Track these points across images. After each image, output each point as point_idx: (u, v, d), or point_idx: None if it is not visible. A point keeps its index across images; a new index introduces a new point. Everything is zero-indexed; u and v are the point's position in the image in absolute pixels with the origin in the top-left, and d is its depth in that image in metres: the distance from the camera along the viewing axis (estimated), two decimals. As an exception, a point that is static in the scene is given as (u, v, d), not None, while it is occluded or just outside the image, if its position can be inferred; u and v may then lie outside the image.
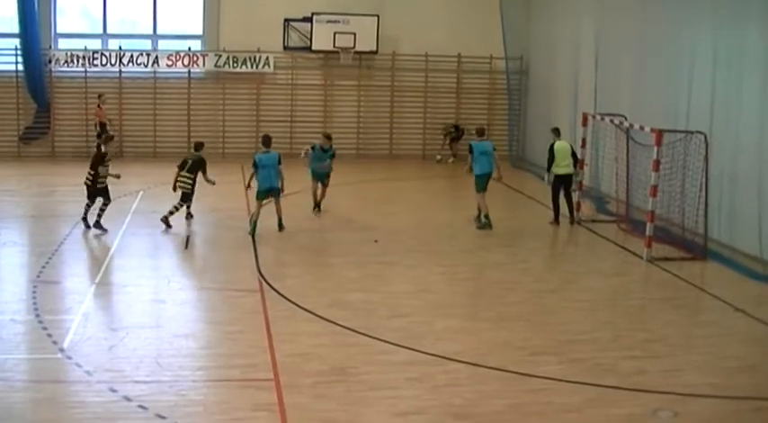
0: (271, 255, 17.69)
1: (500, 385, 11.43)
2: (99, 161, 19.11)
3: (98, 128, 27.38)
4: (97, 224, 18.78)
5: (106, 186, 19.12)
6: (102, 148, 20.15)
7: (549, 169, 20.91)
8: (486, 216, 20.30)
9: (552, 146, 20.80)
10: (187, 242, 18.52)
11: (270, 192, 19.23)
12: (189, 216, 20.28)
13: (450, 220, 21.25)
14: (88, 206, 19.05)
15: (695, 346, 13.31)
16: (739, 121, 18.45)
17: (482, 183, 20.31)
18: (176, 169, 19.83)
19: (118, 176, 19.39)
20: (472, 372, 11.83)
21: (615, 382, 11.51)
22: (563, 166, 20.67)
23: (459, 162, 27.20)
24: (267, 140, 19.58)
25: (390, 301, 14.94)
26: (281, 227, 19.34)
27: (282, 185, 19.29)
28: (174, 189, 19.83)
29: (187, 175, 19.72)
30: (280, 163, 19.21)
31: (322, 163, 21.06)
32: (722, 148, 18.55)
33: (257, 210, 19.12)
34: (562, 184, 20.80)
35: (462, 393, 11.07)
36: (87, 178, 18.98)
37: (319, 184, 21.36)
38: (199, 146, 20.26)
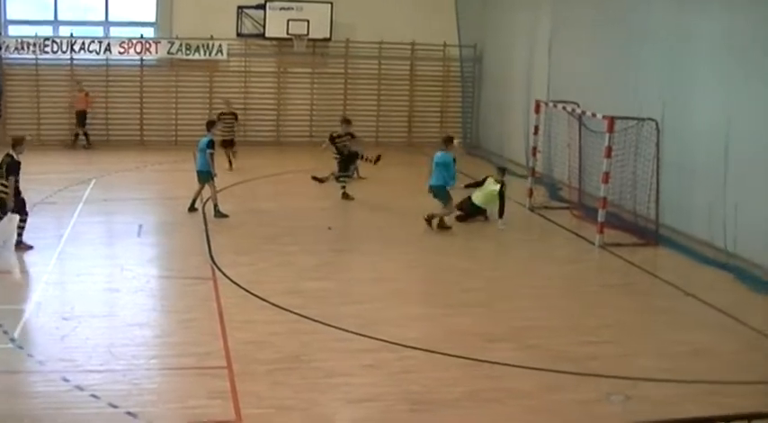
0: (224, 242, 17.58)
1: (457, 372, 11.47)
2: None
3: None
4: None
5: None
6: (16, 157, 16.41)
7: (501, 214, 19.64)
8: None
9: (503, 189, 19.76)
10: (140, 230, 18.38)
11: (198, 174, 19.95)
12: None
13: (405, 207, 21.26)
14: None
15: (648, 332, 13.45)
16: (690, 107, 18.60)
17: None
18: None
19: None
20: (428, 358, 11.86)
21: (570, 367, 11.60)
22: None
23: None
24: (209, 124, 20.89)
25: (345, 289, 14.94)
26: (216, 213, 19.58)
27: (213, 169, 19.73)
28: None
29: None
30: (209, 147, 19.77)
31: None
32: (674, 134, 18.68)
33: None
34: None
35: (419, 380, 11.09)
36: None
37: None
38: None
